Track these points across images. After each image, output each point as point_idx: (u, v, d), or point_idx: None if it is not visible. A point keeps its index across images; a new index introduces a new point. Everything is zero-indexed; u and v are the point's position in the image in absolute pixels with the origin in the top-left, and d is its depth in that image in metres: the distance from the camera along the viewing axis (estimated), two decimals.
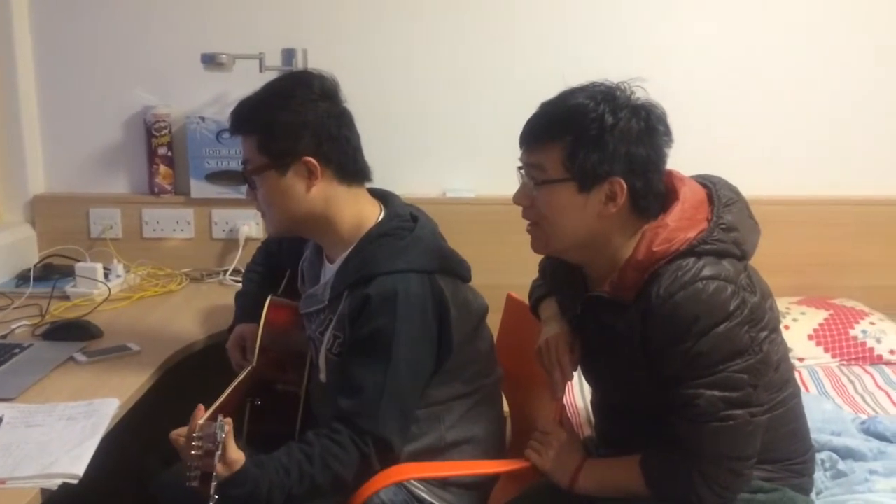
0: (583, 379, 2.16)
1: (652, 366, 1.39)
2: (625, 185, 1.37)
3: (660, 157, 1.41)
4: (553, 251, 1.51)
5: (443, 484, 1.63)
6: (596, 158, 1.36)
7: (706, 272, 1.34)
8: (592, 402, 1.74)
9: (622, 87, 1.41)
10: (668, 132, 1.42)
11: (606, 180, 1.37)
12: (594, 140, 1.36)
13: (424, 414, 1.61)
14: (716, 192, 1.44)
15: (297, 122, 1.56)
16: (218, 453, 1.28)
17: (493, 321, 1.82)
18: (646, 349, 1.38)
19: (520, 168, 1.47)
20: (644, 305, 1.36)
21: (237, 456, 1.37)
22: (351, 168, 1.61)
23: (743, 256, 1.41)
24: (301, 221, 1.62)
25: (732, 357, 1.33)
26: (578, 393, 2.15)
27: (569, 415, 2.06)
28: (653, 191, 1.40)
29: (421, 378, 1.57)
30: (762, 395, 1.38)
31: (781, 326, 1.52)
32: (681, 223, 1.38)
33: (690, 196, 1.41)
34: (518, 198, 1.46)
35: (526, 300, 1.85)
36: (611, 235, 1.41)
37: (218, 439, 1.28)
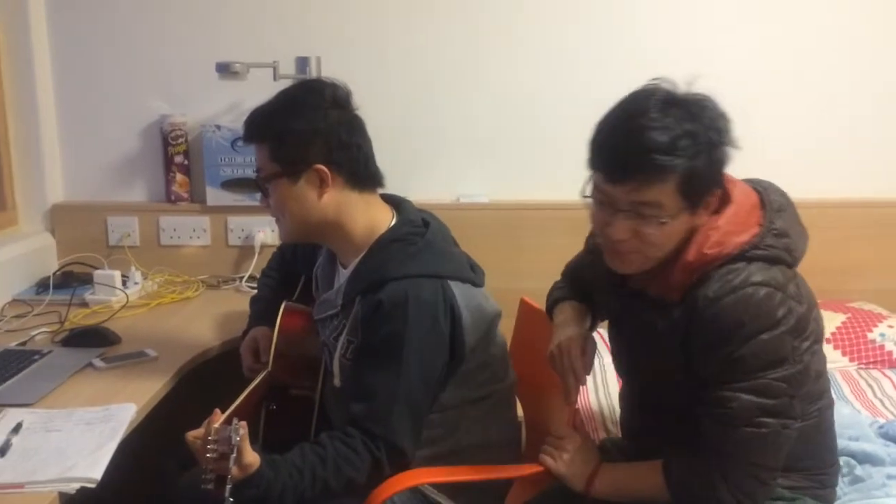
0: (597, 382, 2.17)
1: (689, 366, 1.37)
2: (717, 193, 1.35)
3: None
4: (638, 270, 1.42)
5: (457, 488, 1.63)
6: (707, 181, 1.32)
7: (756, 277, 1.32)
8: (620, 395, 1.72)
9: (682, 89, 1.35)
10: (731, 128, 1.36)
11: (712, 195, 1.34)
12: (706, 167, 1.30)
13: (439, 418, 1.61)
14: (767, 196, 1.42)
15: (308, 130, 1.57)
16: (233, 456, 1.29)
17: (507, 326, 1.82)
18: (687, 350, 1.37)
19: (607, 201, 1.35)
20: (690, 306, 1.35)
21: (252, 459, 1.38)
22: (363, 174, 1.62)
23: (793, 263, 1.39)
24: (314, 228, 1.63)
25: (773, 365, 1.31)
26: (593, 396, 2.15)
27: (583, 418, 2.06)
28: (714, 195, 1.37)
29: (433, 383, 1.57)
30: (797, 407, 1.36)
31: (823, 340, 1.50)
32: (733, 227, 1.35)
33: (744, 200, 1.39)
34: (621, 233, 1.34)
35: (540, 305, 1.85)
36: (676, 244, 1.37)
37: (233, 442, 1.29)
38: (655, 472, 1.43)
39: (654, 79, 1.37)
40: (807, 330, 1.38)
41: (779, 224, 1.38)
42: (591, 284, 1.65)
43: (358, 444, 1.49)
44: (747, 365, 1.31)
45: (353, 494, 1.51)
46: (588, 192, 1.40)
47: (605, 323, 1.66)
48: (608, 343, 1.65)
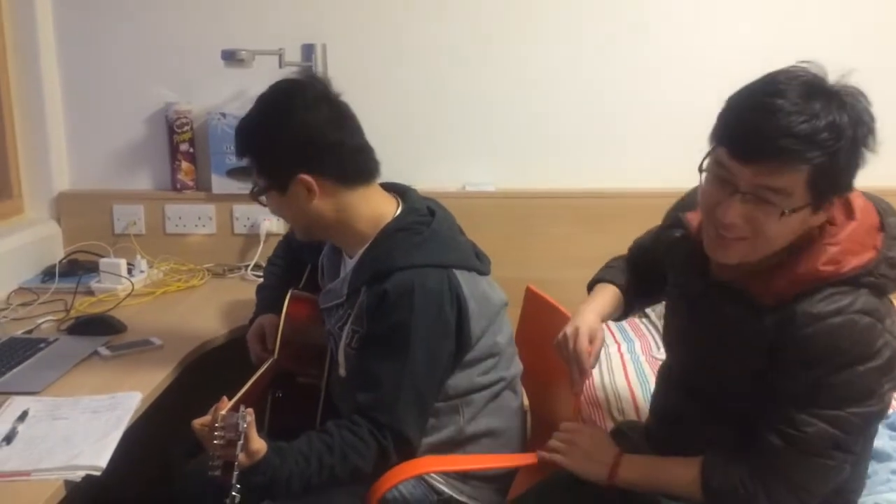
0: (603, 370, 2.16)
1: (764, 373, 1.32)
2: (837, 200, 1.27)
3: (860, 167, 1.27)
4: (740, 261, 1.34)
5: (462, 477, 1.64)
6: (842, 180, 1.24)
7: (863, 306, 1.25)
8: (661, 372, 1.65)
9: (832, 81, 1.25)
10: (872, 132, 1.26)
11: (838, 197, 1.27)
12: (840, 161, 1.21)
13: (444, 407, 1.61)
14: (885, 219, 1.34)
15: (285, 142, 1.56)
16: (240, 443, 1.29)
17: (513, 314, 1.82)
18: (770, 359, 1.30)
19: (728, 179, 1.26)
20: (786, 318, 1.27)
21: (259, 446, 1.38)
22: (351, 172, 1.60)
23: (894, 292, 1.32)
24: (316, 229, 1.64)
25: (859, 400, 1.26)
26: (599, 384, 2.14)
27: (588, 408, 2.06)
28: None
29: (438, 372, 1.57)
30: (861, 444, 1.33)
31: None
32: (852, 245, 1.28)
33: (866, 219, 1.31)
34: (733, 215, 1.26)
35: (546, 293, 1.85)
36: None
37: (240, 429, 1.29)
38: (689, 470, 1.38)
39: (802, 61, 1.27)
40: (894, 370, 1.30)
41: (894, 253, 1.31)
42: (662, 263, 1.57)
43: (364, 432, 1.49)
44: (835, 394, 1.26)
45: (358, 482, 1.52)
46: (706, 165, 1.30)
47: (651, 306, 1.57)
48: (664, 317, 1.59)
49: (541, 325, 1.83)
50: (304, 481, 1.44)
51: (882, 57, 2.57)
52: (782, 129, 1.19)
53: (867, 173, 1.27)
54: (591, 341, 1.53)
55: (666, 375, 1.63)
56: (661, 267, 1.58)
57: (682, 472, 1.40)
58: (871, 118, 1.25)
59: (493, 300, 1.65)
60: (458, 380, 1.61)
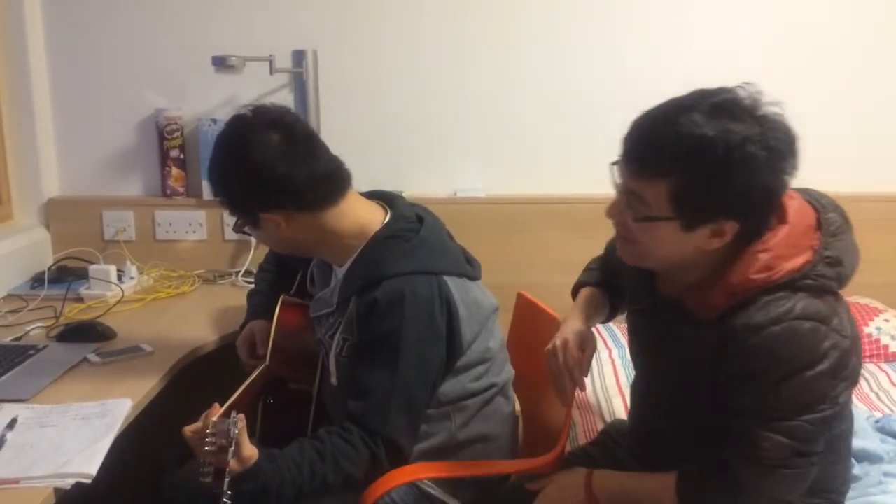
0: (594, 375, 2.17)
1: (714, 387, 1.30)
2: (736, 225, 1.23)
3: (778, 192, 1.25)
4: (642, 266, 1.40)
5: (454, 483, 1.63)
6: (710, 200, 1.21)
7: (802, 311, 1.23)
8: (632, 388, 1.65)
9: (748, 102, 1.22)
10: (795, 155, 1.24)
11: (716, 221, 1.23)
12: (712, 181, 1.20)
13: (436, 413, 1.61)
14: (824, 216, 1.32)
15: (239, 185, 1.58)
16: (231, 449, 1.28)
17: (504, 320, 1.82)
18: (717, 374, 1.29)
19: (619, 188, 1.31)
20: (728, 331, 1.25)
21: (251, 452, 1.38)
22: (311, 199, 1.57)
23: (840, 289, 1.30)
24: (301, 251, 1.68)
25: (810, 406, 1.24)
26: (590, 388, 2.15)
27: (580, 414, 2.06)
28: (766, 223, 1.27)
29: (430, 379, 1.57)
30: (824, 444, 1.30)
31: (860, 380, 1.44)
32: (785, 250, 1.26)
33: (799, 221, 1.29)
34: (612, 213, 1.33)
35: (537, 299, 1.85)
36: (709, 259, 1.30)
37: (231, 435, 1.29)
38: (665, 487, 1.37)
39: (745, 83, 1.26)
40: (847, 367, 1.28)
41: (832, 251, 1.28)
42: (621, 274, 1.58)
43: (356, 439, 1.49)
44: (783, 404, 1.24)
45: (350, 489, 1.51)
46: None
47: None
48: (627, 332, 1.60)
49: (532, 330, 1.84)
50: (296, 489, 1.44)
51: (882, 57, 2.60)
52: (655, 139, 1.23)
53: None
54: (581, 349, 1.53)
55: (636, 392, 1.63)
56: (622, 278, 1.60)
57: (658, 495, 1.38)
58: (781, 142, 1.22)
59: (484, 306, 1.65)
60: (450, 386, 1.61)
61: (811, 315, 1.23)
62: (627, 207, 1.29)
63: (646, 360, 1.55)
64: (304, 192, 1.56)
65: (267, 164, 1.54)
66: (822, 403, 1.25)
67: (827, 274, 1.27)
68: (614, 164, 1.31)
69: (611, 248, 1.67)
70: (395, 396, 1.51)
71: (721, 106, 1.21)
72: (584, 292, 1.65)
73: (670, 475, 1.37)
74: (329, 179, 1.59)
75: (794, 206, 1.30)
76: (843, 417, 1.39)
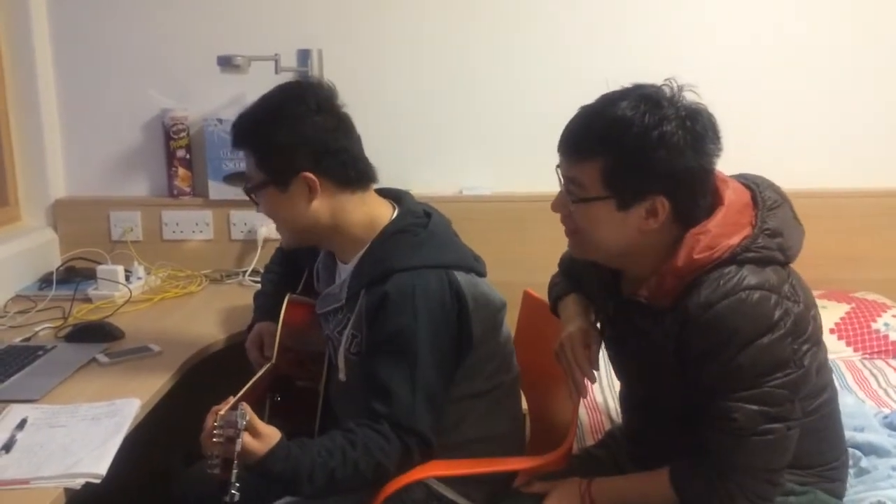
0: (601, 374, 2.17)
1: (685, 373, 1.35)
2: (667, 203, 1.31)
3: (707, 168, 1.33)
4: (591, 258, 1.46)
5: (461, 481, 1.63)
6: (637, 176, 1.29)
7: (749, 281, 1.29)
8: (620, 396, 1.71)
9: (669, 92, 1.32)
10: (717, 139, 1.33)
11: (648, 198, 1.31)
12: (636, 158, 1.28)
13: (445, 411, 1.61)
14: (760, 194, 1.39)
15: (294, 139, 1.56)
16: (239, 440, 1.28)
17: (511, 318, 1.82)
18: (682, 357, 1.34)
19: (561, 179, 1.40)
20: (682, 314, 1.32)
21: (270, 430, 1.38)
22: (352, 176, 1.60)
23: (787, 261, 1.37)
24: (309, 233, 1.63)
25: (773, 371, 1.29)
26: (598, 389, 2.15)
27: (588, 412, 2.06)
28: (698, 203, 1.33)
29: (447, 373, 1.56)
30: (798, 408, 1.34)
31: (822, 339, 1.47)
32: (724, 229, 1.32)
33: (735, 200, 1.35)
34: (556, 206, 1.41)
35: (544, 297, 1.85)
36: (652, 244, 1.36)
37: (239, 426, 1.29)
38: (662, 483, 1.41)
39: (668, 79, 1.34)
40: (806, 331, 1.35)
41: (771, 223, 1.35)
42: (583, 285, 1.64)
43: (388, 431, 1.47)
44: (747, 373, 1.28)
45: (380, 482, 1.50)
46: None
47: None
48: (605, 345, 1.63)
49: (539, 328, 1.83)
50: (328, 474, 1.42)
51: (876, 56, 2.60)
52: (585, 126, 1.34)
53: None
54: (587, 344, 1.55)
55: (623, 399, 1.68)
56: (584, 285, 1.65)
57: (657, 489, 1.41)
58: (698, 124, 1.30)
59: (492, 301, 1.65)
60: (459, 384, 1.60)
61: (759, 285, 1.29)
62: (568, 195, 1.37)
63: (623, 366, 1.59)
64: (350, 167, 1.60)
65: (329, 128, 1.58)
66: (787, 367, 1.30)
67: (769, 245, 1.33)
68: (559, 166, 1.39)
69: (567, 262, 1.71)
70: (417, 392, 1.49)
71: (645, 96, 1.31)
72: (569, 299, 1.67)
73: (664, 471, 1.41)
74: (367, 165, 1.64)
75: (729, 189, 1.37)
76: (816, 383, 1.42)
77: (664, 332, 1.35)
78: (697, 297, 1.30)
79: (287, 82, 1.65)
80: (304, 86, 1.64)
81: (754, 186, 1.41)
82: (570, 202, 1.36)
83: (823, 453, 1.48)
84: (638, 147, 1.28)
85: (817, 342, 1.41)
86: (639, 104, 1.29)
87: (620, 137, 1.29)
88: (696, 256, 1.31)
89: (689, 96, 1.33)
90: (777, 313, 1.29)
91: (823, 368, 1.46)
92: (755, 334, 1.28)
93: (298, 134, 1.56)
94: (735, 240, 1.32)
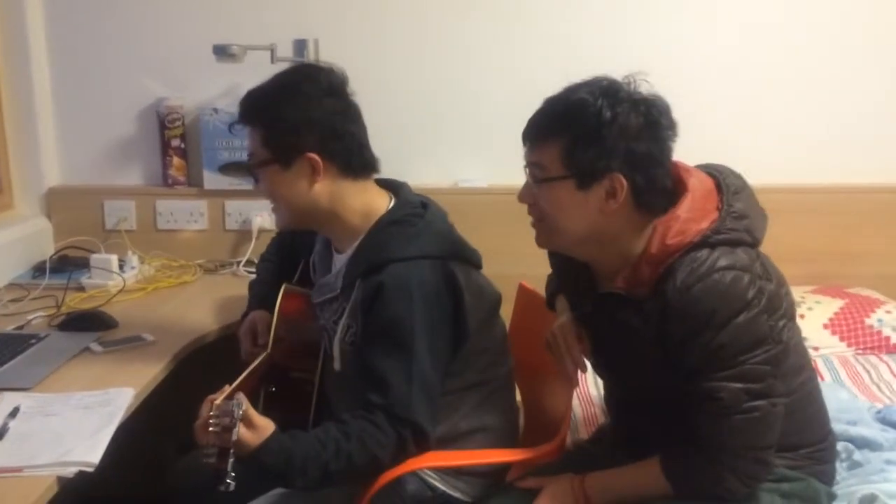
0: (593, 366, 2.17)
1: (669, 361, 1.37)
2: (625, 182, 1.34)
3: (663, 152, 1.38)
4: (557, 247, 1.51)
5: (455, 472, 1.64)
6: (593, 154, 1.34)
7: (722, 262, 1.33)
8: (606, 398, 1.73)
9: (625, 81, 1.38)
10: (671, 126, 1.39)
11: (605, 176, 1.35)
12: (591, 136, 1.34)
13: (440, 403, 1.61)
14: (723, 180, 1.43)
15: (303, 118, 1.56)
16: (235, 429, 1.28)
17: (506, 311, 1.82)
18: (663, 343, 1.37)
19: (525, 166, 1.45)
20: (660, 300, 1.35)
21: (264, 422, 1.38)
22: (356, 163, 1.61)
23: (755, 243, 1.41)
24: (307, 215, 1.63)
25: (753, 347, 1.33)
26: (592, 383, 2.15)
27: (582, 405, 2.06)
28: (656, 186, 1.37)
29: (442, 364, 1.56)
30: (781, 384, 1.37)
31: (797, 315, 1.51)
32: (692, 214, 1.36)
33: (699, 186, 1.40)
34: (522, 195, 1.46)
35: (538, 290, 1.85)
36: (617, 232, 1.40)
37: (235, 415, 1.29)
38: (654, 473, 1.42)
39: (630, 74, 1.40)
40: (781, 308, 1.39)
41: (737, 206, 1.39)
42: (560, 280, 1.66)
43: (382, 422, 1.47)
44: (727, 351, 1.32)
45: (376, 472, 1.50)
46: None
47: None
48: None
49: (533, 321, 1.84)
50: (321, 466, 1.41)
51: (878, 52, 2.60)
52: (544, 113, 1.42)
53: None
54: (578, 335, 1.57)
55: (611, 402, 1.70)
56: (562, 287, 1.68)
57: (649, 478, 1.43)
58: (653, 109, 1.36)
59: (488, 293, 1.65)
60: (454, 375, 1.60)
61: (731, 265, 1.33)
62: (531, 180, 1.42)
63: (606, 365, 1.60)
64: (355, 154, 1.60)
65: (340, 111, 1.59)
66: (766, 343, 1.34)
67: (736, 227, 1.37)
68: (526, 166, 1.44)
69: (553, 261, 1.71)
70: (413, 383, 1.49)
71: (604, 85, 1.37)
72: (560, 297, 1.69)
73: (655, 461, 1.43)
74: (371, 155, 1.64)
75: (693, 177, 1.41)
76: (795, 360, 1.45)
77: (644, 320, 1.38)
78: (674, 283, 1.33)
79: (301, 64, 1.66)
80: (317, 68, 1.64)
81: (717, 174, 1.45)
82: (534, 186, 1.42)
83: (810, 433, 1.50)
84: (593, 126, 1.33)
85: (791, 318, 1.45)
86: (596, 91, 1.36)
87: (577, 118, 1.35)
88: (668, 242, 1.35)
89: (645, 86, 1.39)
90: (751, 292, 1.32)
91: (799, 346, 1.49)
92: (732, 314, 1.31)
93: (308, 113, 1.56)
94: (704, 224, 1.36)
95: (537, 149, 1.41)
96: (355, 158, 1.60)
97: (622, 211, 1.37)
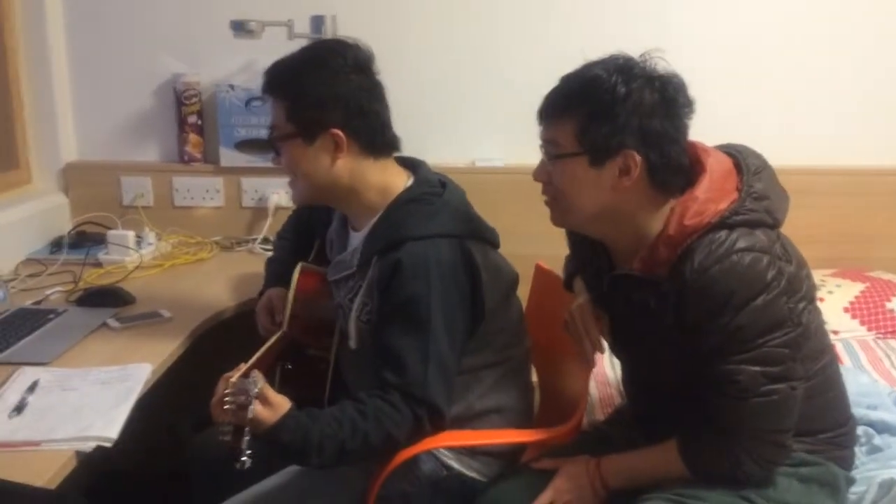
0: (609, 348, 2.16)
1: (686, 342, 1.36)
2: (638, 158, 1.33)
3: (678, 130, 1.36)
4: (571, 225, 1.50)
5: (471, 452, 1.64)
6: (607, 131, 1.33)
7: (741, 244, 1.31)
8: (623, 380, 1.72)
9: (641, 59, 1.37)
10: (687, 103, 1.37)
11: (619, 153, 1.33)
12: (605, 112, 1.33)
13: (455, 382, 1.60)
14: (743, 160, 1.41)
15: (328, 93, 1.55)
16: (251, 407, 1.28)
17: (523, 291, 1.81)
18: (681, 325, 1.35)
19: (541, 145, 1.44)
20: (678, 281, 1.33)
21: (280, 400, 1.37)
22: (379, 142, 1.60)
23: (775, 224, 1.39)
24: (326, 191, 1.62)
25: (771, 330, 1.31)
26: (608, 364, 2.14)
27: (598, 387, 2.06)
28: (671, 164, 1.35)
29: (459, 343, 1.55)
30: (800, 369, 1.36)
31: (817, 298, 1.49)
32: (711, 195, 1.34)
33: (717, 167, 1.38)
34: (537, 174, 1.45)
35: (555, 270, 1.84)
36: (632, 210, 1.38)
37: (251, 393, 1.29)
38: (670, 455, 1.42)
39: (646, 51, 1.39)
40: (801, 290, 1.37)
41: (758, 187, 1.37)
42: (576, 260, 1.65)
43: (398, 401, 1.46)
44: (745, 334, 1.30)
45: (392, 451, 1.50)
46: None
47: None
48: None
49: (550, 301, 1.82)
50: (338, 444, 1.41)
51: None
52: (559, 90, 1.41)
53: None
54: (597, 315, 1.56)
55: (628, 382, 1.69)
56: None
57: (666, 462, 1.43)
58: (669, 87, 1.35)
59: (505, 273, 1.64)
60: (470, 355, 1.60)
61: (750, 247, 1.31)
62: (546, 158, 1.42)
63: (624, 347, 1.59)
64: (379, 132, 1.59)
65: (366, 88, 1.58)
66: (785, 326, 1.32)
67: (756, 208, 1.35)
68: (542, 144, 1.44)
69: (571, 241, 1.69)
70: (429, 362, 1.48)
71: (620, 64, 1.36)
72: (579, 278, 1.67)
73: (672, 444, 1.42)
74: (394, 135, 1.63)
75: (711, 158, 1.39)
76: (815, 344, 1.43)
77: (661, 301, 1.37)
78: (691, 264, 1.31)
79: (329, 38, 1.64)
80: (345, 44, 1.62)
81: (737, 154, 1.43)
82: (548, 163, 1.41)
83: (830, 418, 1.49)
84: (607, 102, 1.32)
85: (812, 300, 1.42)
86: (611, 68, 1.35)
87: (591, 94, 1.34)
88: (686, 223, 1.33)
89: (661, 64, 1.37)
90: (770, 273, 1.30)
91: (820, 330, 1.47)
92: (750, 295, 1.29)
93: (334, 89, 1.55)
94: (723, 205, 1.34)
95: (552, 126, 1.40)
96: (378, 137, 1.59)
97: (637, 189, 1.36)
